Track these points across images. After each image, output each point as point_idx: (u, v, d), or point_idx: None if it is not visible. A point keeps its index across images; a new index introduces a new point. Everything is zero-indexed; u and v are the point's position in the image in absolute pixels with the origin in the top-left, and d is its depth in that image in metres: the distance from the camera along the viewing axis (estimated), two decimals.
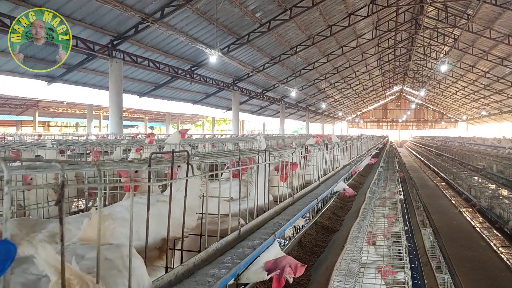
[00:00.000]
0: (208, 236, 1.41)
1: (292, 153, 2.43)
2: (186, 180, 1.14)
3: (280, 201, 2.11)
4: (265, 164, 1.93)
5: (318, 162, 3.08)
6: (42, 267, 0.79)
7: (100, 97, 21.40)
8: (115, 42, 13.98)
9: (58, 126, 45.21)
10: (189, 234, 1.43)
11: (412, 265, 3.64)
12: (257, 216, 1.76)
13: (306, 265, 1.85)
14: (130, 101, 22.74)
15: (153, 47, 16.07)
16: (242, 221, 1.57)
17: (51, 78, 15.73)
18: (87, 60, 14.98)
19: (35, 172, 0.69)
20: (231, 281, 1.45)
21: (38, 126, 37.51)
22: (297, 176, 2.65)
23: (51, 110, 37.20)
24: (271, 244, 1.60)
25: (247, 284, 1.78)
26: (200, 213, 1.49)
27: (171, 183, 1.12)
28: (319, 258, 2.84)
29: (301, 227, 3.33)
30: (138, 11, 12.62)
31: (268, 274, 1.83)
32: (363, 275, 2.72)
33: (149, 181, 1.01)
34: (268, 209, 1.92)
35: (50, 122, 43.24)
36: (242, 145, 8.03)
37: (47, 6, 10.76)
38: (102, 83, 17.88)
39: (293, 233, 3.15)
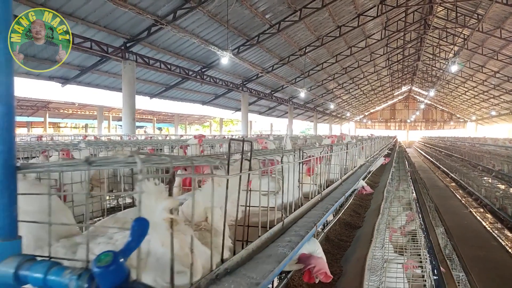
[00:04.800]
0: (252, 227, 1.55)
1: (321, 152, 2.57)
2: (249, 175, 1.28)
3: (311, 198, 2.25)
4: (299, 162, 2.08)
5: (340, 161, 3.22)
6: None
7: (111, 98, 21.72)
8: (128, 45, 14.21)
9: (67, 127, 45.75)
10: (238, 225, 1.56)
11: (434, 271, 3.73)
12: (294, 210, 1.90)
13: (332, 277, 2.03)
14: (141, 102, 22.98)
15: (165, 49, 16.28)
16: (283, 214, 1.72)
17: (65, 80, 16.02)
18: (101, 62, 15.24)
19: (151, 165, 0.83)
20: None
21: (49, 127, 38.01)
22: (323, 174, 2.79)
23: (61, 111, 37.67)
24: (313, 233, 1.74)
25: (289, 272, 1.93)
26: (245, 206, 1.63)
27: (240, 176, 1.26)
28: (346, 251, 2.98)
29: (326, 222, 3.48)
30: (151, 14, 12.83)
31: (297, 263, 2.00)
32: (385, 269, 2.84)
33: (227, 173, 1.15)
34: (302, 205, 2.06)
35: (60, 123, 43.81)
36: (255, 145, 8.14)
37: (64, 9, 11.00)
38: (114, 84, 18.15)
39: (322, 228, 3.30)
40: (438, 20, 26.01)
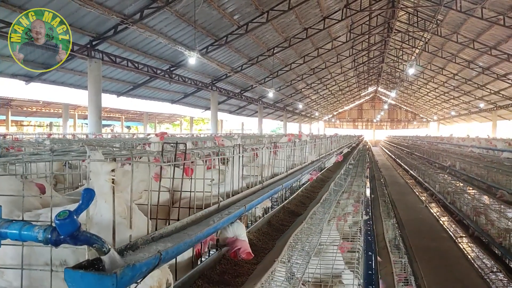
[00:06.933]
0: (192, 208, 1.89)
1: (262, 148, 2.93)
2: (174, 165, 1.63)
3: (251, 187, 2.61)
4: (239, 156, 2.44)
5: (285, 157, 3.61)
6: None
7: (77, 96, 21.35)
8: (94, 43, 14.15)
9: (31, 125, 44.37)
10: (181, 207, 1.89)
11: (369, 253, 4.19)
12: (232, 196, 2.25)
13: (253, 256, 2.44)
14: (108, 100, 22.76)
15: (132, 47, 16.27)
16: (221, 199, 2.06)
17: (29, 78, 15.73)
18: (66, 60, 15.04)
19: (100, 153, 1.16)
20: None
21: (11, 125, 36.77)
22: (267, 167, 3.15)
23: (25, 109, 36.52)
24: (242, 212, 2.09)
25: (224, 245, 2.30)
26: (188, 192, 1.97)
27: (174, 166, 1.60)
28: (284, 233, 3.37)
29: (270, 209, 3.87)
30: (117, 13, 12.86)
31: (225, 246, 2.42)
32: (321, 251, 3.24)
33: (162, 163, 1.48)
34: (242, 192, 2.41)
35: (23, 121, 42.45)
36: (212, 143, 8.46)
37: (28, 6, 10.88)
38: (80, 82, 17.95)
39: (263, 214, 3.68)
40: (401, 24, 27.15)
